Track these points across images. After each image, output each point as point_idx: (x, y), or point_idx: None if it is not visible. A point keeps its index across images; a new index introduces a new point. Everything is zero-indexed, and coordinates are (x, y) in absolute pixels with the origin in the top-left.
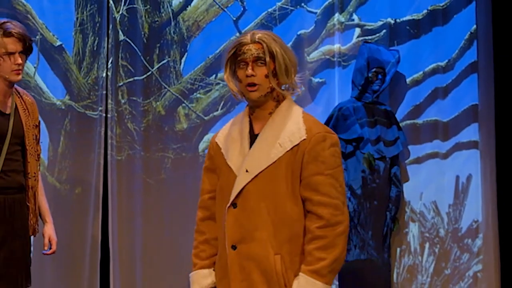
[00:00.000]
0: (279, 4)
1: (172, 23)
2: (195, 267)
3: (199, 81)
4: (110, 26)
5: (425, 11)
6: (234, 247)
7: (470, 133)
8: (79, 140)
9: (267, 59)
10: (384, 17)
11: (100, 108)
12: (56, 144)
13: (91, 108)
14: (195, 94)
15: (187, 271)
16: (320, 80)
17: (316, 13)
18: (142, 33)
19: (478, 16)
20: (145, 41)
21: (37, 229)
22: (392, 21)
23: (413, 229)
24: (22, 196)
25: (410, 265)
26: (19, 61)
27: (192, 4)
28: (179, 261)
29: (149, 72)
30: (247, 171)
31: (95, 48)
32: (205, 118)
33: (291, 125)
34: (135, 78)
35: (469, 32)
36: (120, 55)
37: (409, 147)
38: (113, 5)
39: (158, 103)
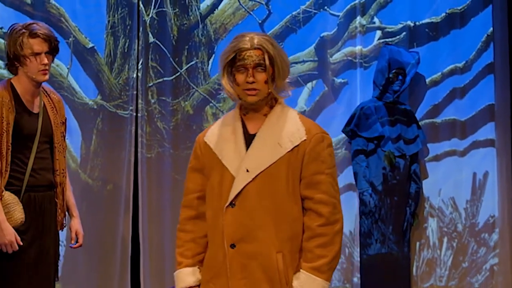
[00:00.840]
0: (303, 7)
1: (200, 26)
2: (180, 266)
3: None
4: (141, 29)
5: (443, 14)
6: (233, 246)
7: (487, 131)
8: (110, 138)
9: (268, 65)
10: (404, 20)
11: (130, 108)
12: (88, 142)
13: (122, 108)
14: (222, 94)
15: None
16: (343, 81)
17: (338, 16)
18: (171, 35)
19: (495, 19)
20: (174, 43)
21: (64, 224)
22: (412, 24)
23: (432, 224)
24: (52, 193)
25: (429, 258)
26: (45, 61)
27: (219, 7)
28: None
29: (178, 73)
30: (247, 170)
31: (126, 50)
32: None
33: (289, 126)
34: (165, 78)
35: (485, 35)
36: (150, 57)
37: (428, 145)
38: (143, 8)
39: (186, 102)
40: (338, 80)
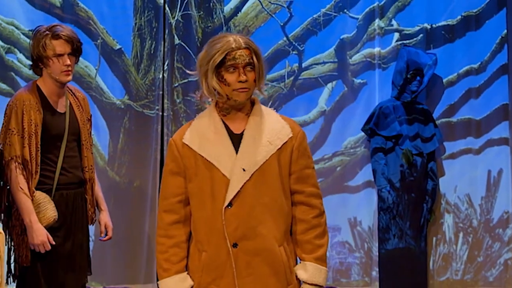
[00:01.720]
0: (323, 10)
1: (224, 28)
2: (168, 272)
3: None
4: (166, 31)
5: (459, 17)
6: (235, 245)
7: (501, 130)
8: (137, 137)
9: (257, 64)
10: (421, 23)
11: (157, 107)
12: (116, 141)
13: (148, 107)
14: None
15: None
16: (362, 81)
17: (357, 18)
18: (196, 37)
19: (509, 21)
20: (198, 44)
21: (94, 218)
22: (429, 26)
23: (448, 220)
24: (82, 189)
25: (445, 253)
26: (68, 62)
27: (243, 10)
28: None
29: None
30: (244, 170)
31: (152, 52)
32: None
33: (273, 124)
34: (189, 79)
35: (500, 36)
36: (175, 58)
37: (445, 143)
38: (169, 11)
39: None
40: (358, 81)
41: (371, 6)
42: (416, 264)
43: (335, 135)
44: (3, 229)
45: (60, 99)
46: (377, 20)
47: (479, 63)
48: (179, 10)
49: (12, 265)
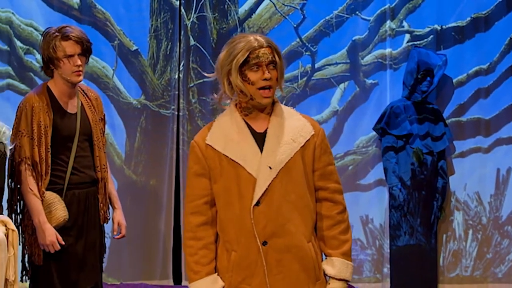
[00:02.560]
0: (335, 12)
1: (238, 29)
2: (198, 274)
3: None
4: (182, 32)
5: (468, 18)
6: (265, 243)
7: (510, 129)
8: (153, 136)
9: (278, 62)
10: (431, 24)
11: (172, 107)
12: (132, 140)
13: (164, 107)
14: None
15: None
16: (373, 82)
17: (369, 20)
18: (211, 38)
19: None
20: (213, 45)
21: (107, 217)
22: (439, 28)
23: (458, 217)
24: (94, 188)
25: (455, 250)
26: (78, 62)
27: (257, 12)
28: None
29: None
30: (270, 168)
31: (168, 52)
32: None
33: (295, 122)
34: (205, 79)
35: (509, 38)
36: (191, 59)
37: (454, 142)
38: (184, 13)
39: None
40: (369, 81)
41: (383, 8)
42: (427, 260)
43: (347, 134)
44: (16, 229)
45: (71, 99)
46: (388, 22)
47: (488, 63)
48: (195, 12)
49: (26, 264)
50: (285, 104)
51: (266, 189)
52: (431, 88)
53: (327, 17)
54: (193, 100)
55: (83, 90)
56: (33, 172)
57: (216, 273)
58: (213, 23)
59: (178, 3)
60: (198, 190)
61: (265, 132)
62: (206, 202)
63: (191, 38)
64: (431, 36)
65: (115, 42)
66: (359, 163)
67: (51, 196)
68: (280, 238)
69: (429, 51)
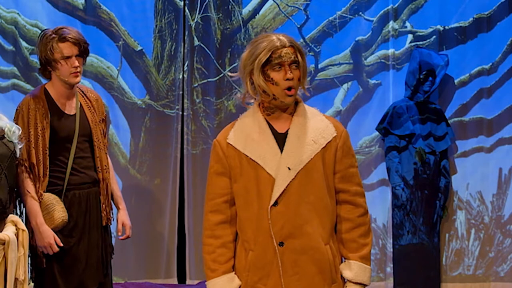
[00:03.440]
0: (339, 13)
1: (242, 30)
2: (215, 272)
3: None
4: (186, 33)
5: (471, 19)
6: (281, 244)
7: None
8: (158, 135)
9: (301, 62)
10: (434, 25)
11: (177, 107)
12: (137, 140)
13: (168, 107)
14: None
15: None
16: (376, 82)
17: (372, 21)
18: (215, 39)
19: None
20: (217, 46)
21: (110, 218)
22: (441, 28)
23: (460, 216)
24: (97, 189)
25: (458, 248)
26: (76, 64)
27: (260, 12)
28: None
29: (221, 74)
30: (289, 168)
31: (172, 53)
32: None
33: (317, 123)
34: (209, 79)
35: (511, 38)
36: (195, 59)
37: (457, 142)
38: (188, 13)
39: (229, 102)
40: (372, 81)
41: (386, 9)
42: (429, 259)
43: (350, 134)
44: None
45: (69, 101)
46: (391, 22)
47: (491, 64)
48: (199, 13)
49: (29, 266)
50: None
51: (284, 189)
52: (433, 88)
53: (330, 18)
54: (197, 100)
55: (82, 91)
56: (30, 174)
57: (234, 272)
58: (217, 23)
59: (182, 3)
60: (218, 189)
61: (287, 132)
62: (225, 201)
63: (195, 38)
64: (434, 37)
65: (120, 42)
66: (362, 163)
67: (49, 197)
68: (296, 239)
69: (431, 52)
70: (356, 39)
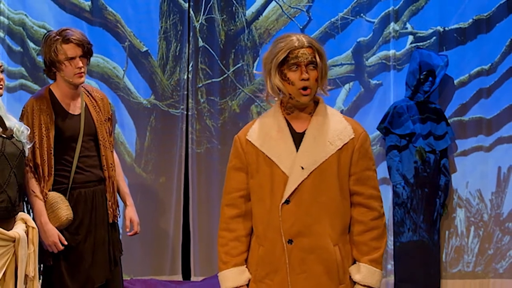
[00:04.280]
0: (341, 14)
1: (246, 31)
2: (227, 265)
3: None
4: (191, 34)
5: (470, 20)
6: (290, 241)
7: (511, 128)
8: (163, 135)
9: (319, 63)
10: (434, 26)
11: (182, 107)
12: (142, 139)
13: (173, 107)
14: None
15: None
16: (377, 82)
17: (373, 22)
18: (219, 40)
19: None
20: (221, 47)
21: (117, 215)
22: (441, 29)
23: (460, 214)
24: (103, 187)
25: (457, 246)
26: (80, 64)
27: (264, 14)
28: None
29: (225, 75)
30: (302, 168)
31: (177, 53)
32: None
33: (336, 124)
34: (213, 80)
35: (510, 39)
36: (199, 60)
37: (456, 141)
38: (193, 15)
39: (233, 102)
40: (373, 82)
41: (387, 10)
42: (430, 256)
43: None
44: None
45: (74, 101)
46: (392, 24)
47: (490, 64)
48: (203, 14)
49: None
50: None
51: (297, 188)
52: (433, 88)
53: (332, 19)
54: (202, 100)
55: (87, 91)
56: (35, 174)
57: (245, 266)
58: (221, 24)
59: (187, 5)
60: (235, 184)
61: (304, 132)
62: (241, 196)
63: (199, 39)
64: (434, 38)
65: (126, 43)
66: None
67: (54, 196)
68: (305, 238)
69: (431, 52)
70: (358, 40)
